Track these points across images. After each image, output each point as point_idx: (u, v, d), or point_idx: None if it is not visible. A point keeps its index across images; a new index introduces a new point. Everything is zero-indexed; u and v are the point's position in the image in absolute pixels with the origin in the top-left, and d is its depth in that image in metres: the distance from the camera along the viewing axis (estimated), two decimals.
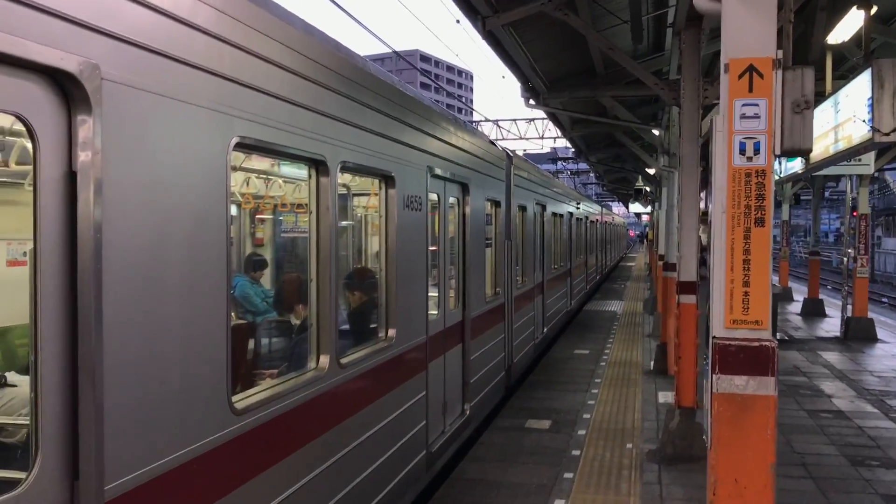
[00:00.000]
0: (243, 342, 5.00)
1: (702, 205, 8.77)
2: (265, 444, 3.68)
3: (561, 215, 16.55)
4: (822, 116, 7.90)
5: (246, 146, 3.59)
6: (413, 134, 5.94)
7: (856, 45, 8.80)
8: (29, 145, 2.42)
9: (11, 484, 2.36)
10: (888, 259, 44.33)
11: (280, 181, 6.14)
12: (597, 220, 28.75)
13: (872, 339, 15.54)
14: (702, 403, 7.54)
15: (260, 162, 5.50)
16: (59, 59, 2.39)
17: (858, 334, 15.63)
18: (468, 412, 7.87)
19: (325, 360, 4.39)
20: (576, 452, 7.68)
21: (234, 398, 3.43)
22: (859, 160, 13.50)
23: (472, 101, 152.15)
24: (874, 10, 7.50)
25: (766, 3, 3.54)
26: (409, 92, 6.05)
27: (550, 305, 14.75)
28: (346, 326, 5.49)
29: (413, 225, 5.98)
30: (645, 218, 45.43)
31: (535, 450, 7.82)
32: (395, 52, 15.55)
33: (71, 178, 2.47)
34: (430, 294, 6.57)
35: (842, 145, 7.72)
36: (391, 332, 5.55)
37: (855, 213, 16.53)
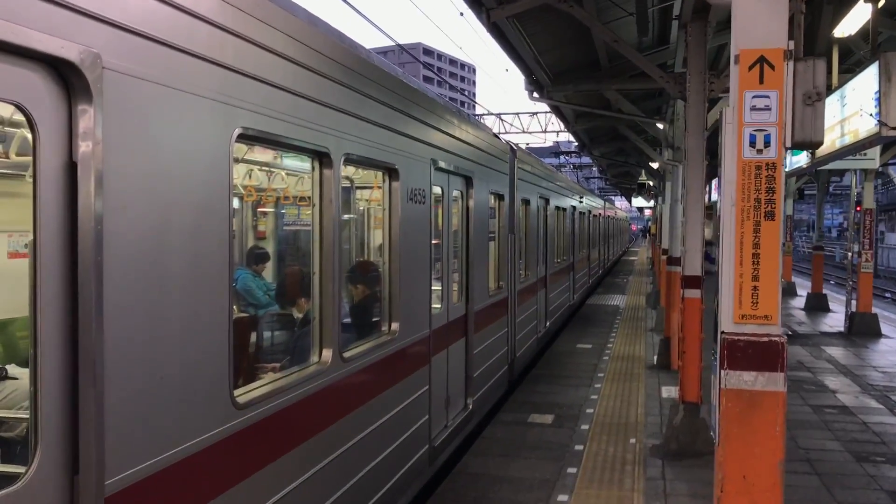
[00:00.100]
0: (245, 336, 4.97)
1: (706, 199, 8.73)
2: (267, 438, 3.65)
3: (564, 209, 16.51)
4: (829, 110, 7.84)
5: (249, 137, 3.55)
6: (417, 126, 5.90)
7: (862, 39, 8.73)
8: (29, 135, 2.38)
9: (11, 478, 2.33)
10: (891, 254, 44.26)
11: (283, 173, 6.10)
12: (599, 214, 28.71)
13: (876, 334, 15.50)
14: (707, 399, 7.51)
15: (263, 154, 5.46)
16: (60, 47, 2.35)
17: (862, 329, 15.59)
18: (471, 406, 7.84)
19: (327, 353, 4.36)
20: (579, 447, 7.65)
21: (236, 392, 3.40)
22: (864, 154, 13.44)
23: (474, 94, 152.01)
24: (881, 3, 7.43)
25: None
26: (412, 84, 6.00)
27: (553, 299, 14.72)
28: (349, 320, 5.46)
29: (416, 218, 5.95)
30: (647, 212, 45.37)
31: (537, 444, 7.79)
32: (398, 44, 15.49)
33: (71, 168, 2.43)
34: (433, 288, 6.53)
35: (848, 139, 7.68)
36: (394, 325, 5.51)
37: (859, 208, 16.45)
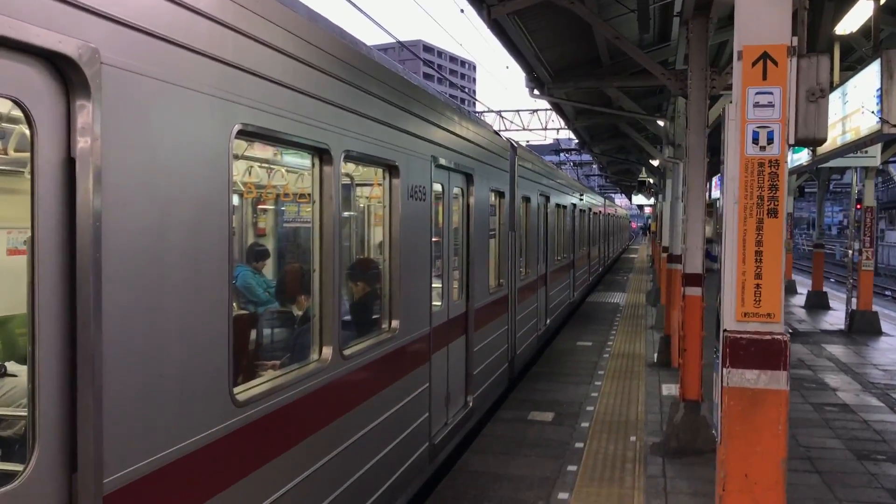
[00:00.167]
0: (245, 333, 4.96)
1: (707, 196, 8.71)
2: (267, 436, 3.63)
3: (564, 206, 16.49)
4: (830, 108, 7.80)
5: (248, 134, 3.53)
6: (417, 123, 5.88)
7: (863, 36, 8.71)
8: (27, 131, 2.36)
9: (9, 476, 2.31)
10: (892, 252, 44.23)
11: (283, 170, 6.08)
12: (600, 211, 28.69)
13: (877, 332, 15.49)
14: (708, 396, 7.50)
15: (263, 150, 5.44)
16: (58, 42, 2.33)
17: (863, 327, 15.57)
18: (471, 404, 7.83)
19: (327, 351, 4.34)
20: (579, 445, 7.64)
21: (236, 390, 3.38)
22: (865, 152, 13.39)
23: (475, 91, 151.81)
24: (883, 0, 7.41)
25: None
26: (413, 81, 5.98)
27: (553, 297, 14.70)
28: (349, 317, 5.44)
29: (417, 215, 5.93)
30: (647, 210, 45.34)
31: (538, 442, 7.78)
32: (398, 41, 15.44)
33: (70, 164, 2.41)
34: (433, 285, 6.52)
35: (849, 137, 7.66)
36: (394, 323, 5.50)
37: (859, 206, 16.43)
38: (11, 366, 3.73)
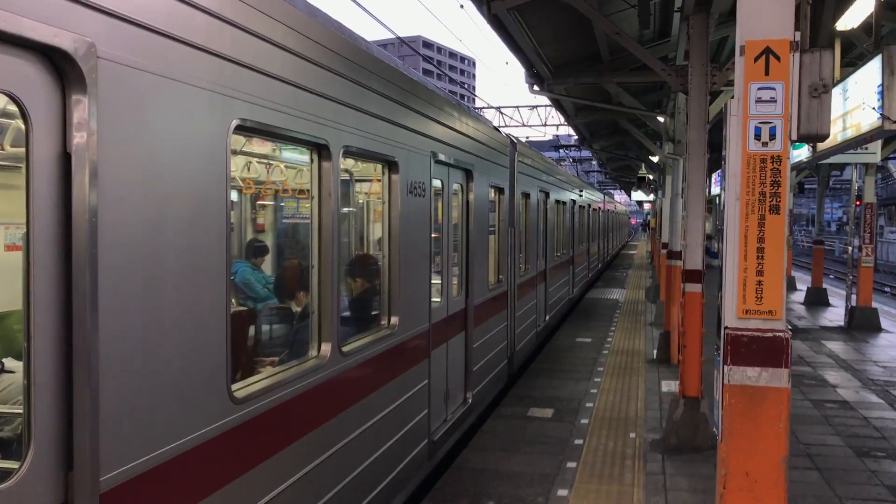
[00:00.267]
0: (243, 329, 4.94)
1: (707, 192, 8.69)
2: (265, 433, 3.62)
3: (564, 203, 16.47)
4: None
5: (246, 129, 3.51)
6: (417, 119, 5.85)
7: (864, 33, 8.68)
8: (22, 126, 2.33)
9: (5, 474, 2.29)
10: (891, 249, 44.23)
11: (281, 166, 6.06)
12: (599, 207, 28.68)
13: (877, 328, 15.48)
14: (707, 393, 7.49)
15: (261, 146, 5.41)
16: (53, 35, 2.30)
17: (863, 324, 15.56)
18: (470, 400, 7.82)
19: (326, 347, 4.32)
20: (578, 441, 7.63)
21: (234, 387, 3.36)
22: (866, 148, 13.38)
23: (474, 87, 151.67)
24: None
25: None
26: (413, 76, 5.95)
27: (553, 293, 14.69)
28: (348, 314, 5.43)
29: (416, 211, 5.90)
30: (647, 206, 45.29)
31: (537, 439, 7.77)
32: (398, 37, 15.40)
33: (65, 160, 2.39)
34: (433, 281, 6.50)
35: (850, 133, 7.64)
36: (393, 319, 5.48)
37: (859, 203, 16.41)
38: (9, 362, 3.71)
